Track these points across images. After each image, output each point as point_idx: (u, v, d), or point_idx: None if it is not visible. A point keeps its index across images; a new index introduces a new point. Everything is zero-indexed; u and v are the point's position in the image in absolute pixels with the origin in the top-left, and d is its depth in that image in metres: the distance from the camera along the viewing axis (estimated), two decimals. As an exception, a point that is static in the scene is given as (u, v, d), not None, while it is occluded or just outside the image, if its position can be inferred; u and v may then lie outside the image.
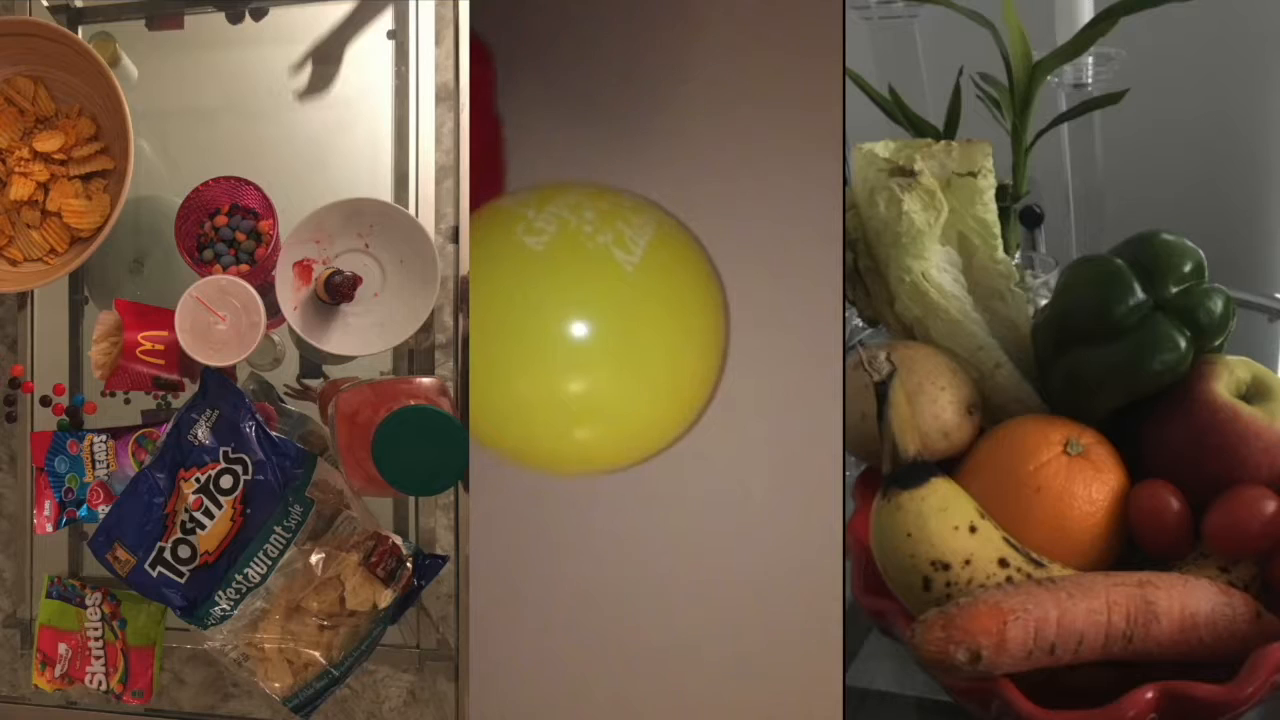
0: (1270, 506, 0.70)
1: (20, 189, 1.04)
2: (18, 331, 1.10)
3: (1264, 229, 1.28)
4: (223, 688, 1.06)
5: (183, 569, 0.95)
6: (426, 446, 0.80)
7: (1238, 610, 0.69)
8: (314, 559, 0.93)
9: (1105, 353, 0.75)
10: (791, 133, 0.83)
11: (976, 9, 0.92)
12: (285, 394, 1.04)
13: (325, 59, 1.08)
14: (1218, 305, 0.75)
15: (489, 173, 0.84)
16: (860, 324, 0.91)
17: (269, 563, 0.94)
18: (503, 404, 0.71)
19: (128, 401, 1.06)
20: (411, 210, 1.02)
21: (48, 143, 1.04)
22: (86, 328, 1.08)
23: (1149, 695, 0.64)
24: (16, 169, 1.04)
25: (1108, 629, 0.67)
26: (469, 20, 0.96)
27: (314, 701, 0.94)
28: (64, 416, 1.07)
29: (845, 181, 0.86)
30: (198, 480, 0.95)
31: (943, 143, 0.83)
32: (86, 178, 1.06)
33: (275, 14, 1.08)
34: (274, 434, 0.96)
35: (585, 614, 0.81)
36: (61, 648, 1.03)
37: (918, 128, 0.93)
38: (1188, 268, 0.75)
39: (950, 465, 0.78)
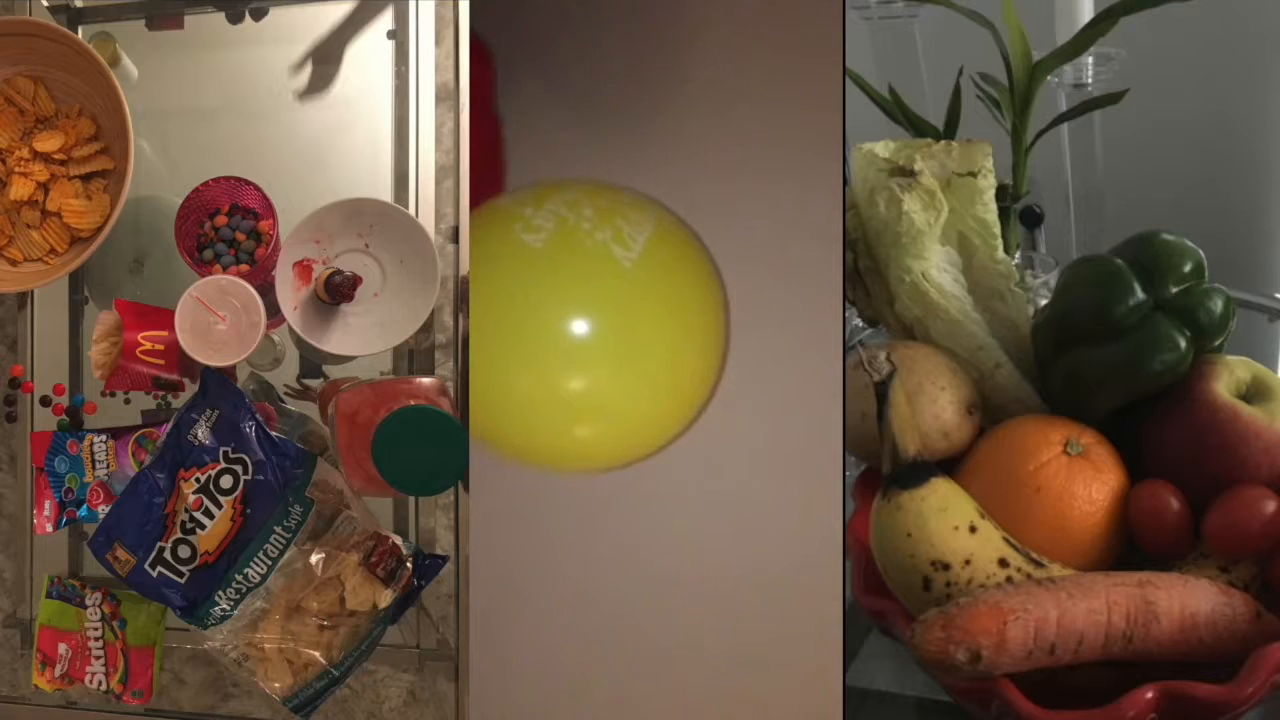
0: (1270, 506, 0.70)
1: (20, 189, 1.04)
2: (18, 331, 1.10)
3: (1264, 229, 1.28)
4: (223, 688, 1.06)
5: (183, 569, 0.95)
6: (426, 446, 0.80)
7: (1238, 610, 0.69)
8: (314, 559, 0.93)
9: (1105, 353, 0.75)
10: (791, 133, 0.83)
11: (976, 9, 0.92)
12: (285, 394, 1.04)
13: (325, 59, 1.08)
14: (1218, 305, 0.75)
15: (489, 172, 0.84)
16: (860, 324, 0.91)
17: (269, 563, 0.94)
18: (503, 402, 0.71)
19: (128, 401, 1.06)
20: (411, 210, 1.02)
21: (48, 143, 1.04)
22: (86, 328, 1.08)
23: (1149, 695, 0.64)
24: (16, 169, 1.04)
25: (1108, 629, 0.67)
26: (469, 20, 0.96)
27: (314, 701, 0.94)
28: (64, 416, 1.07)
29: (845, 181, 0.86)
30: (198, 480, 0.95)
31: (943, 143, 0.83)
32: (86, 178, 1.06)
33: (275, 14, 1.08)
34: (274, 434, 0.96)
35: (585, 614, 0.81)
36: (61, 648, 1.03)
37: (918, 128, 0.93)
38: (1188, 268, 0.75)
39: (950, 465, 0.78)
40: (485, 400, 0.71)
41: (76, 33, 1.08)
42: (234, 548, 0.94)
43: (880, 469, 0.75)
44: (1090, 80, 1.10)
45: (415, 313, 0.98)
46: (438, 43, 1.05)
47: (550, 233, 0.70)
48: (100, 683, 1.03)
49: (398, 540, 0.94)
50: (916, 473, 0.73)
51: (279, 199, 1.00)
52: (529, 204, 0.72)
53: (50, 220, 1.05)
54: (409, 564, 0.94)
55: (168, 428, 0.98)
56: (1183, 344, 0.74)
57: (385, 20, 1.06)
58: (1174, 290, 0.75)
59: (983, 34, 0.91)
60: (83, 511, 1.03)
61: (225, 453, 0.95)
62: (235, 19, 1.09)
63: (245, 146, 1.07)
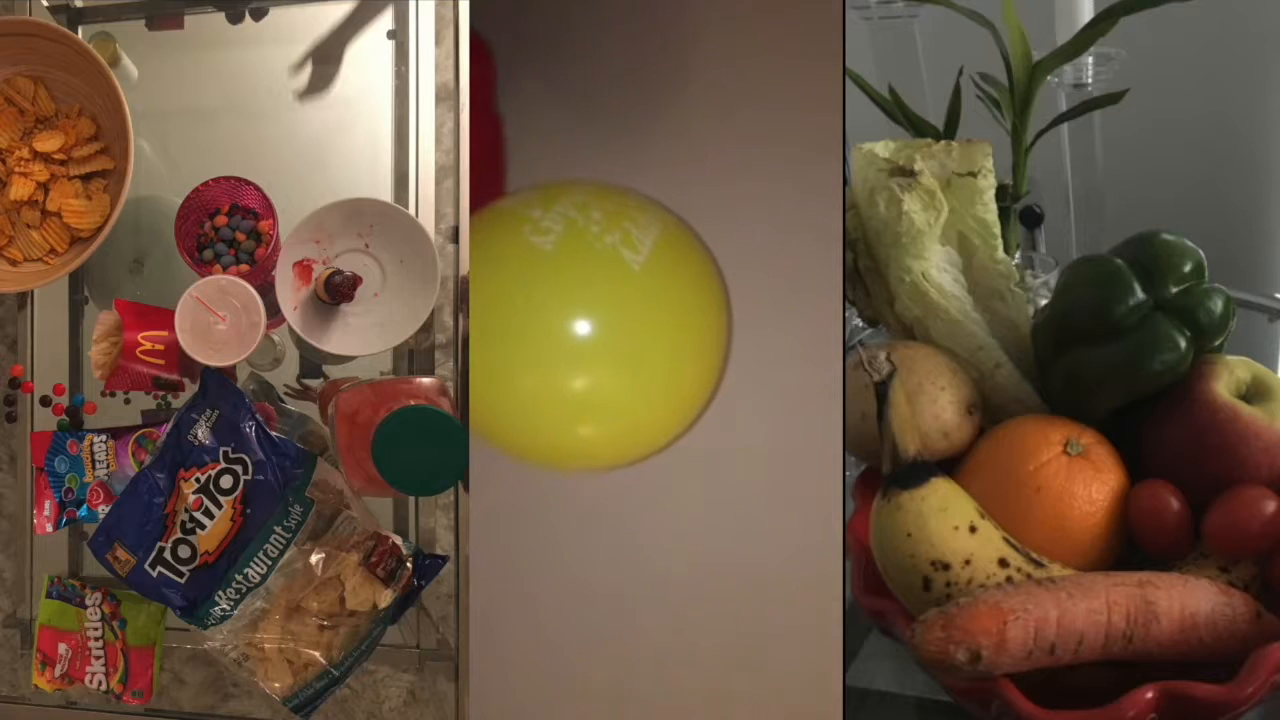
0: (1270, 506, 0.70)
1: (20, 189, 1.04)
2: (18, 331, 1.10)
3: (1264, 229, 1.28)
4: (223, 688, 1.06)
5: (183, 569, 0.95)
6: (426, 446, 0.80)
7: (1238, 610, 0.69)
8: (314, 559, 0.93)
9: (1105, 353, 0.75)
10: (791, 133, 0.83)
11: (976, 9, 0.92)
12: (285, 394, 1.04)
13: (325, 59, 1.08)
14: (1218, 305, 0.75)
15: (490, 172, 0.84)
16: (860, 324, 0.91)
17: (269, 563, 0.94)
18: (508, 401, 0.71)
19: (128, 401, 1.06)
20: (411, 210, 1.02)
21: (48, 143, 1.04)
22: (86, 328, 1.08)
23: (1149, 695, 0.64)
24: (16, 169, 1.04)
25: (1108, 629, 0.67)
26: (469, 20, 0.96)
27: (314, 701, 0.94)
28: (64, 416, 1.07)
29: (845, 182, 0.86)
30: (198, 480, 0.95)
31: (943, 143, 0.83)
32: (86, 178, 1.06)
33: (275, 14, 1.08)
34: (274, 434, 0.96)
35: (585, 614, 0.81)
36: (61, 648, 1.03)
37: (918, 128, 0.93)
38: (1188, 268, 0.75)
39: (950, 465, 0.78)
40: (489, 399, 0.71)
41: (76, 33, 1.08)
42: (234, 548, 0.94)
43: (880, 469, 0.75)
44: (1090, 80, 1.10)
45: (415, 313, 0.98)
46: (438, 43, 1.05)
47: (560, 235, 0.70)
48: (100, 683, 1.03)
49: (398, 540, 0.94)
50: (916, 473, 0.73)
51: (279, 199, 1.00)
52: (536, 206, 0.72)
53: (50, 220, 1.05)
54: (409, 564, 0.94)
55: (168, 428, 0.98)
56: (1183, 344, 0.74)
57: (385, 20, 1.06)
58: (1174, 290, 0.75)
59: (983, 34, 0.91)
60: (83, 511, 1.03)
61: (225, 453, 0.95)
62: (235, 19, 1.09)
63: (245, 146, 1.07)
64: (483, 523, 0.82)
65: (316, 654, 0.93)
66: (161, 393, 1.05)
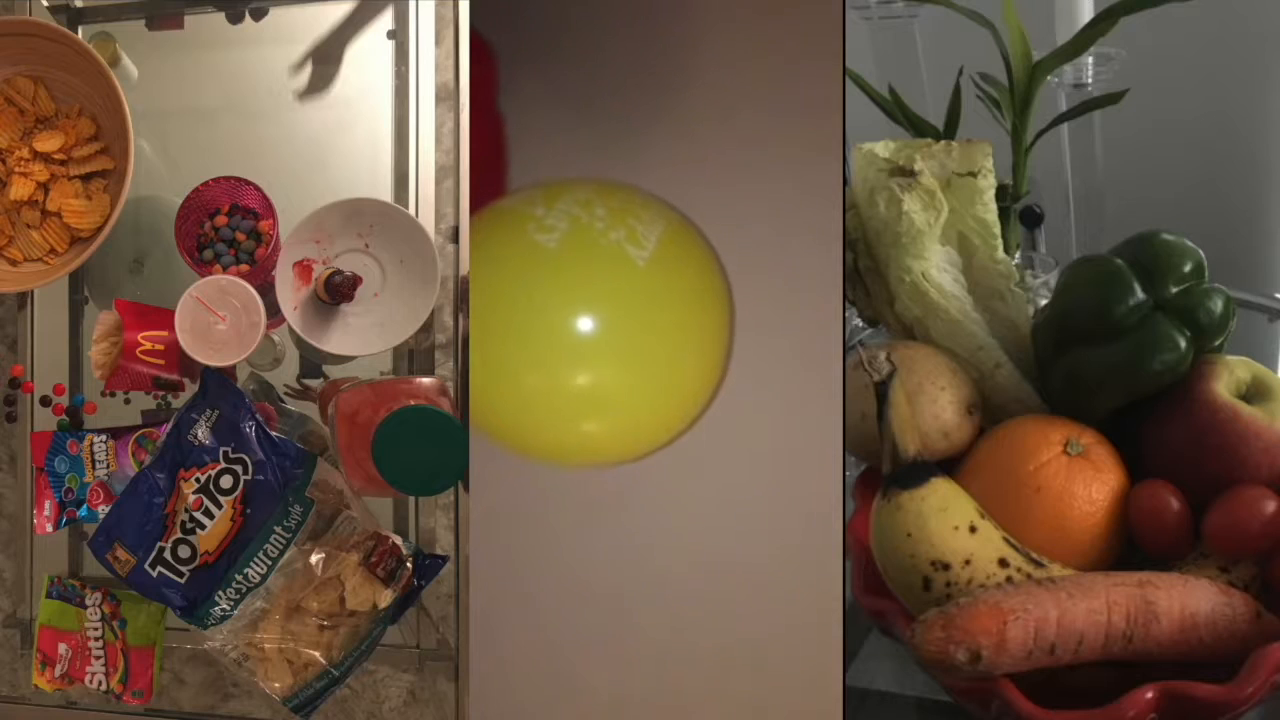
0: (1270, 506, 0.70)
1: (20, 189, 1.04)
2: (18, 331, 1.10)
3: (1264, 229, 1.28)
4: (223, 688, 1.06)
5: (183, 569, 0.95)
6: (426, 446, 0.80)
7: (1238, 610, 0.69)
8: (314, 559, 0.93)
9: (1105, 353, 0.75)
10: (791, 133, 0.83)
11: (976, 9, 0.92)
12: (285, 394, 1.04)
13: (325, 59, 1.08)
14: (1218, 305, 0.75)
15: (491, 172, 0.84)
16: (860, 324, 0.91)
17: (269, 563, 0.94)
18: (510, 398, 0.71)
19: (128, 401, 1.06)
20: (411, 210, 1.02)
21: (48, 143, 1.04)
22: (86, 328, 1.08)
23: (1149, 695, 0.64)
24: (16, 169, 1.04)
25: (1108, 629, 0.67)
26: (469, 20, 0.96)
27: (314, 701, 0.94)
28: (64, 416, 1.07)
29: (845, 182, 0.86)
30: (198, 480, 0.95)
31: (943, 143, 0.83)
32: (86, 178, 1.06)
33: (275, 14, 1.08)
34: (274, 434, 0.96)
35: (585, 614, 0.81)
36: (61, 648, 1.03)
37: (918, 128, 0.93)
38: (1188, 268, 0.75)
39: (950, 465, 0.78)
40: (491, 396, 0.71)
41: (76, 33, 1.08)
42: (234, 548, 0.94)
43: (880, 469, 0.75)
44: (1090, 80, 1.10)
45: (415, 313, 0.98)
46: (438, 43, 1.05)
47: (564, 232, 0.70)
48: (100, 683, 1.03)
49: (398, 540, 0.94)
50: (916, 473, 0.73)
51: (279, 199, 1.00)
52: (539, 204, 0.72)
53: (50, 220, 1.05)
54: (409, 564, 0.94)
55: (168, 428, 0.98)
56: (1183, 344, 0.74)
57: (385, 20, 1.06)
58: (1174, 290, 0.75)
59: (983, 34, 0.91)
60: (83, 511, 1.03)
61: (225, 453, 0.95)
62: (235, 19, 1.09)
63: (245, 146, 1.07)
64: (483, 523, 0.82)
65: (316, 654, 0.93)
66: (161, 393, 1.05)
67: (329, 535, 0.95)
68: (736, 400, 0.80)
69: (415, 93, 1.05)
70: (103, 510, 1.01)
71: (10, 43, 1.04)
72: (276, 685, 0.93)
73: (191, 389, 1.00)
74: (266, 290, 0.97)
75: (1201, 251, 0.76)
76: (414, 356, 1.03)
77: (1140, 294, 0.75)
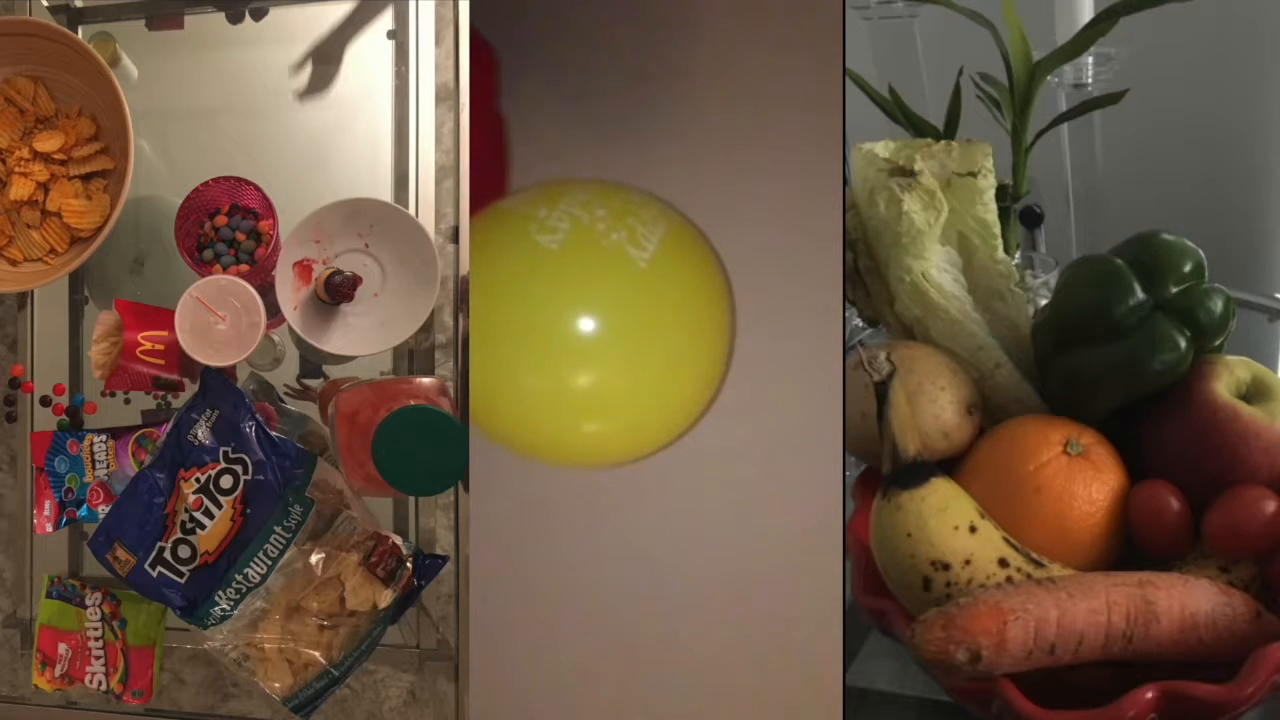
0: (1270, 506, 0.70)
1: (20, 189, 1.04)
2: (18, 331, 1.10)
3: (1264, 229, 1.28)
4: (223, 688, 1.06)
5: (183, 569, 0.95)
6: (426, 446, 0.80)
7: (1238, 610, 0.69)
8: (314, 559, 0.93)
9: (1105, 353, 0.75)
10: (792, 133, 0.83)
11: (976, 9, 0.92)
12: (285, 394, 1.04)
13: (325, 59, 1.08)
14: (1218, 305, 0.75)
15: (492, 172, 0.84)
16: (860, 324, 0.91)
17: (269, 563, 0.94)
18: (511, 398, 0.71)
19: (128, 401, 1.06)
20: (411, 210, 1.02)
21: (48, 143, 1.04)
22: (86, 328, 1.08)
23: (1149, 695, 0.64)
24: (16, 169, 1.04)
25: (1108, 629, 0.67)
26: (469, 20, 0.96)
27: (314, 701, 0.94)
28: (64, 416, 1.07)
29: (845, 181, 0.86)
30: (198, 480, 0.95)
31: (943, 143, 0.83)
32: (86, 178, 1.06)
33: (275, 14, 1.08)
34: (274, 434, 0.96)
35: (585, 614, 0.81)
36: (61, 648, 1.03)
37: (918, 128, 0.93)
38: (1188, 268, 0.75)
39: (950, 465, 0.78)
40: (491, 396, 0.71)
41: (76, 33, 1.08)
42: (234, 548, 0.94)
43: (880, 469, 0.75)
44: (1090, 80, 1.10)
45: (415, 313, 0.98)
46: (438, 43, 1.05)
47: (566, 233, 0.70)
48: (100, 683, 1.03)
49: (398, 540, 0.94)
50: (916, 473, 0.73)
51: (279, 199, 1.00)
52: (541, 205, 0.72)
53: (50, 220, 1.05)
54: (409, 564, 0.94)
55: (168, 428, 0.98)
56: (1183, 344, 0.74)
57: (385, 20, 1.06)
58: (1174, 290, 0.75)
59: (983, 34, 0.91)
60: (83, 511, 1.03)
61: (225, 453, 0.95)
62: (235, 19, 1.09)
63: (245, 146, 1.07)
64: (483, 523, 0.82)
65: (316, 654, 0.93)
66: (161, 393, 1.05)
67: (329, 535, 0.95)
68: (737, 400, 0.80)
69: (415, 93, 1.05)
70: (103, 510, 1.01)
71: (10, 43, 1.04)
72: (276, 685, 0.93)
73: (191, 389, 1.00)
74: (266, 290, 0.97)
75: (1201, 251, 0.76)
76: (414, 356, 1.03)
77: (1140, 294, 0.75)
